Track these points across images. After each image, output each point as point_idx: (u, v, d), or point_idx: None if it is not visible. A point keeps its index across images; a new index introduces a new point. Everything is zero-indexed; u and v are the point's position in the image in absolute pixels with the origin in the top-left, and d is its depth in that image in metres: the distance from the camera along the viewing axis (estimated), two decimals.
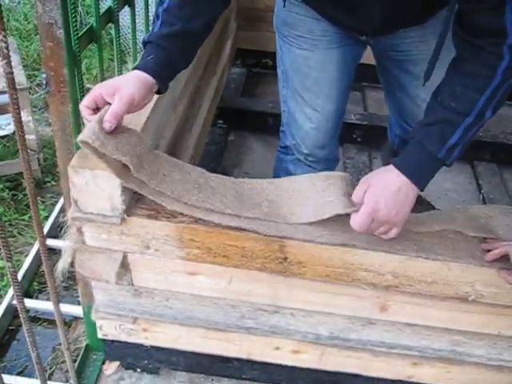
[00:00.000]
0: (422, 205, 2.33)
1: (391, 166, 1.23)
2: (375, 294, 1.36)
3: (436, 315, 1.40)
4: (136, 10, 1.71)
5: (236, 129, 2.82)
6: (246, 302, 1.43)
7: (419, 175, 1.22)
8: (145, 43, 1.23)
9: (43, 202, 2.45)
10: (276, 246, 1.28)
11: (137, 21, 1.73)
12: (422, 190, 1.24)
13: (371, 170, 2.57)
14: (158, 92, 1.23)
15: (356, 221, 1.20)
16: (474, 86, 1.20)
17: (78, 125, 1.30)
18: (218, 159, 2.58)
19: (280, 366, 1.61)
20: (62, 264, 1.33)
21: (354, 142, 2.70)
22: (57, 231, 2.16)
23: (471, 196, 2.60)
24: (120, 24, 1.63)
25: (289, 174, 1.74)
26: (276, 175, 1.83)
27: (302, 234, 1.27)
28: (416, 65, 1.62)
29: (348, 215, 1.24)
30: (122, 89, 1.13)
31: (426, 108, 1.29)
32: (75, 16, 1.24)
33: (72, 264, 1.36)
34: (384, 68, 1.72)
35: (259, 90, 3.22)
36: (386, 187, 1.20)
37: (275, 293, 1.39)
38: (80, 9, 3.80)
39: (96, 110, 1.14)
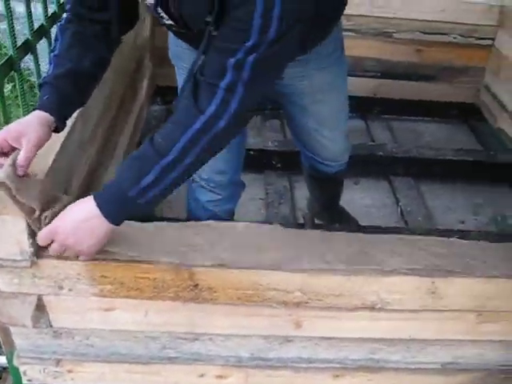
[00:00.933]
0: (349, 223, 2.42)
1: (91, 196, 1.19)
2: (287, 312, 1.41)
3: (348, 326, 1.47)
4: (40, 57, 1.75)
5: None
6: (164, 332, 1.46)
7: (111, 210, 1.18)
8: (40, 85, 1.29)
9: None
10: (186, 275, 1.32)
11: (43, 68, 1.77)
12: (116, 225, 1.20)
13: (292, 195, 2.66)
14: (56, 130, 1.27)
15: (39, 234, 1.21)
16: (181, 124, 1.16)
17: None
18: None
19: None
20: None
21: (274, 168, 2.77)
22: None
23: (390, 210, 2.70)
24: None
25: (197, 201, 1.78)
26: (187, 204, 1.88)
27: (209, 260, 1.32)
28: (302, 98, 1.70)
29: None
30: (28, 132, 1.17)
31: None
32: None
33: None
34: (277, 100, 1.79)
35: None
36: (72, 213, 1.18)
37: (192, 320, 1.43)
38: None
39: (1, 154, 1.17)
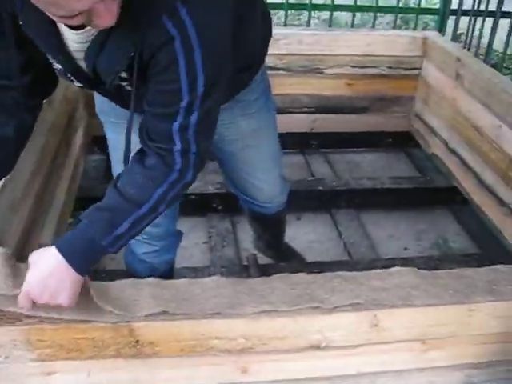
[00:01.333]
0: (295, 259, 2.43)
1: (53, 246, 1.21)
2: (232, 359, 1.39)
3: (296, 367, 1.46)
4: None
5: None
6: None
7: (78, 259, 1.20)
8: None
9: None
10: (125, 331, 1.30)
11: None
12: (81, 274, 1.21)
13: (235, 236, 2.66)
14: None
15: (18, 301, 1.21)
16: (153, 179, 1.24)
17: None
18: None
19: None
20: None
21: (216, 210, 2.77)
22: None
23: (334, 243, 2.71)
24: None
25: (133, 254, 1.75)
26: (125, 257, 1.84)
27: (149, 313, 1.30)
28: (230, 144, 1.71)
29: None
30: None
31: (107, 191, 1.28)
32: None
33: None
34: None
35: None
36: (41, 268, 1.19)
37: (136, 376, 1.40)
38: None
39: None
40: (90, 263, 1.24)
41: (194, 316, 1.30)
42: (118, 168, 1.67)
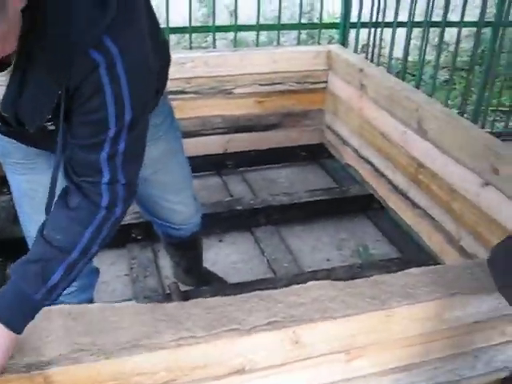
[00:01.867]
0: (213, 281, 2.41)
1: None
2: None
3: None
4: None
5: (14, 259, 2.70)
6: None
7: (14, 318, 1.15)
8: None
9: None
10: (41, 379, 1.24)
11: None
12: (18, 333, 1.16)
13: (157, 265, 2.62)
14: None
15: None
16: (79, 220, 1.21)
17: None
18: None
19: None
20: None
21: (136, 240, 2.72)
22: None
23: (257, 261, 2.71)
24: None
25: None
26: None
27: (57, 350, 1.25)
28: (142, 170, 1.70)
29: None
30: None
31: (34, 240, 1.24)
32: None
33: None
34: None
35: None
36: None
37: None
38: None
39: None
40: (26, 320, 1.18)
41: (112, 354, 1.26)
42: (26, 208, 1.63)
